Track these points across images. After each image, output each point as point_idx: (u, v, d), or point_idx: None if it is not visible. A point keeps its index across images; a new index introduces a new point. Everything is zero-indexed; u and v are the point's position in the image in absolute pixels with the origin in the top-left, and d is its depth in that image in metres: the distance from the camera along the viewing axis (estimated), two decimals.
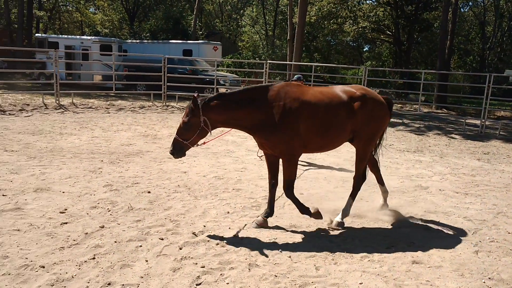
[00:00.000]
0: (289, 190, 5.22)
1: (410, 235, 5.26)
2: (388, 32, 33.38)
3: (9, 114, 12.99)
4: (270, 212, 5.36)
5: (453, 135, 13.97)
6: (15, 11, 37.10)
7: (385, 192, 6.07)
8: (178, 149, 5.01)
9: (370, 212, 5.99)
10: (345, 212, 5.49)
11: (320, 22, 32.50)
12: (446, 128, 15.55)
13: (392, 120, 16.66)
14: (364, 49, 50.90)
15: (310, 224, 5.43)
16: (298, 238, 5.00)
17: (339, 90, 5.34)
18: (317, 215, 5.36)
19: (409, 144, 11.94)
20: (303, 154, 5.51)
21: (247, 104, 4.96)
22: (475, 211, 6.33)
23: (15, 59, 23.52)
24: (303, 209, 5.32)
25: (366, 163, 5.61)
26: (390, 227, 5.53)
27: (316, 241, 4.92)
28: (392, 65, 33.39)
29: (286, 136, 4.94)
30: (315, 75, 22.02)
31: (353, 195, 5.61)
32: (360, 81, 18.01)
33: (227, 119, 5.05)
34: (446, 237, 5.28)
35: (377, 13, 32.06)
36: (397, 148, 11.18)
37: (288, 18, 28.78)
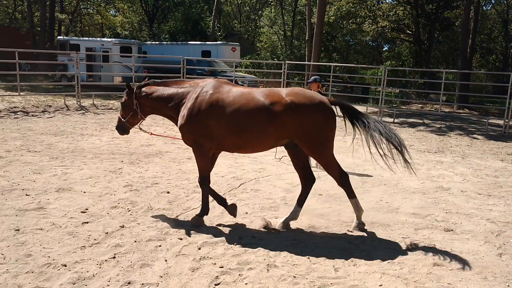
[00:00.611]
0: (203, 186, 5.28)
1: (431, 237, 5.18)
2: (408, 31, 32.99)
3: (32, 115, 13.26)
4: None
5: (475, 136, 13.72)
6: (37, 14, 37.86)
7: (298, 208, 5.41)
8: (119, 126, 5.67)
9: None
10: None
11: (339, 22, 32.32)
12: (468, 128, 15.28)
13: (412, 120, 16.54)
14: (384, 49, 50.39)
15: (329, 225, 5.40)
16: (317, 239, 4.97)
17: (261, 93, 5.03)
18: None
19: (430, 145, 11.77)
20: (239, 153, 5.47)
21: (172, 95, 5.29)
22: (499, 213, 6.19)
23: (37, 61, 24.01)
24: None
25: (334, 167, 5.18)
26: (410, 228, 5.45)
27: (335, 242, 4.88)
28: (413, 64, 32.99)
29: (193, 130, 5.08)
30: (334, 75, 21.87)
31: (350, 195, 5.29)
32: (380, 81, 17.82)
33: (154, 106, 5.44)
34: (469, 239, 5.18)
35: (397, 12, 31.70)
36: (417, 149, 11.03)
37: (307, 18, 28.68)
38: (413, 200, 6.64)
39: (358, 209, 5.26)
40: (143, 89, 5.45)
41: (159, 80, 5.57)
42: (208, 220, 5.36)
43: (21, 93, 15.43)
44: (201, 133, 5.06)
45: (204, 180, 5.26)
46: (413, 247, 4.84)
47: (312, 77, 8.44)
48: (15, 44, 20.31)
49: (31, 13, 35.71)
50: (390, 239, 5.05)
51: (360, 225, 5.27)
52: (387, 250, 4.72)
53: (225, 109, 4.95)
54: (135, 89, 5.46)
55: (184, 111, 5.10)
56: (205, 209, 5.30)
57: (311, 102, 4.90)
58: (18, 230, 4.76)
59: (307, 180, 5.36)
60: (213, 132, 5.02)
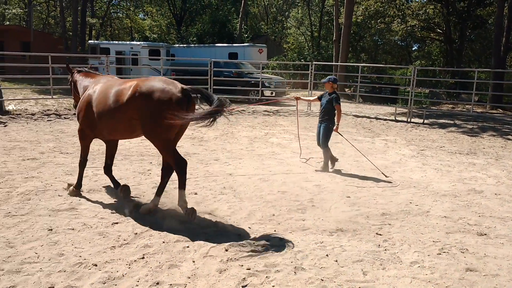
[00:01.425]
0: (80, 165, 6.20)
1: (464, 241, 5.04)
2: (438, 30, 32.30)
3: (64, 118, 13.61)
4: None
5: (509, 137, 13.29)
6: (69, 20, 38.94)
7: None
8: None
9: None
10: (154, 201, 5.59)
11: (367, 21, 31.98)
12: (502, 129, 14.82)
13: (443, 121, 16.17)
14: (413, 48, 49.53)
15: (357, 228, 5.33)
16: (345, 241, 4.91)
17: (119, 82, 5.60)
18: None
19: (461, 146, 11.48)
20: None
21: (83, 86, 6.24)
22: None
23: (69, 65, 24.65)
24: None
25: (169, 154, 5.23)
26: (441, 232, 5.32)
27: (363, 246, 4.81)
28: (443, 64, 32.30)
29: (80, 116, 5.90)
30: (362, 75, 21.60)
31: (161, 188, 5.59)
32: (409, 81, 17.50)
33: (78, 90, 6.38)
34: (503, 244, 5.02)
35: (427, 10, 31.09)
36: (448, 150, 10.77)
37: (334, 19, 28.50)
38: (444, 203, 6.48)
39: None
40: (76, 74, 6.62)
41: (89, 70, 6.67)
42: (235, 222, 5.38)
43: (53, 96, 15.86)
44: (83, 120, 5.84)
45: (81, 161, 6.20)
46: (445, 251, 4.73)
47: (327, 78, 8.41)
48: (48, 49, 20.94)
49: (64, 18, 36.75)
50: (420, 243, 4.95)
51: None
52: (417, 254, 4.63)
53: (94, 98, 5.64)
54: (74, 72, 6.70)
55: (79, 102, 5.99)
56: (79, 183, 6.17)
57: (149, 90, 5.03)
58: (51, 229, 4.89)
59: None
60: (92, 120, 5.68)
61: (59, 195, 6.07)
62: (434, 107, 21.91)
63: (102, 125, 5.56)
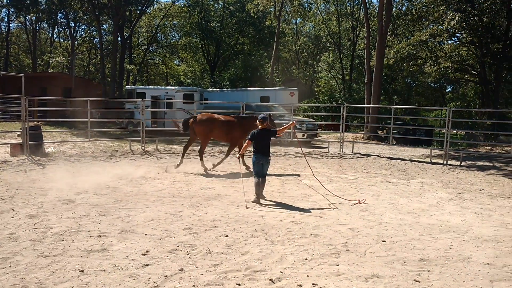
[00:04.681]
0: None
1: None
2: (473, 71, 31.91)
3: (100, 160, 13.95)
4: None
5: None
6: (109, 66, 40.76)
7: None
8: None
9: None
10: None
11: (398, 64, 31.93)
12: None
13: (481, 163, 15.66)
14: (447, 90, 48.95)
15: (394, 274, 5.08)
16: None
17: None
18: None
19: (502, 189, 11.00)
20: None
21: None
22: None
23: (107, 109, 25.59)
24: None
25: None
26: (484, 280, 5.00)
27: None
28: (479, 105, 31.64)
29: None
30: (395, 117, 21.36)
31: None
32: (444, 123, 17.14)
33: None
34: None
35: (460, 52, 30.89)
36: (488, 194, 10.34)
37: (365, 62, 28.66)
38: (486, 248, 6.14)
39: None
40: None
41: None
42: (265, 265, 5.24)
43: (91, 139, 16.36)
44: None
45: None
46: None
47: (260, 116, 9.16)
48: (88, 94, 21.84)
49: (103, 65, 38.51)
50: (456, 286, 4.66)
51: None
52: None
53: None
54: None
55: None
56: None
57: None
58: (83, 271, 4.89)
59: None
60: None
61: (91, 236, 6.11)
62: (471, 149, 21.30)
63: None
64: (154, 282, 4.66)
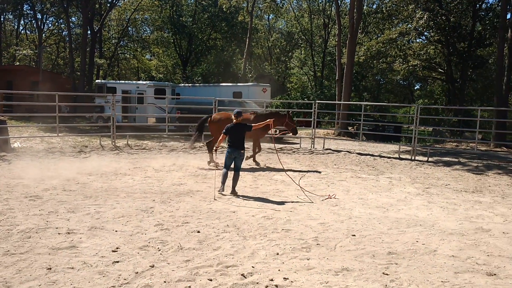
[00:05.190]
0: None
1: (473, 281, 4.90)
2: (440, 69, 32.77)
3: (69, 155, 13.65)
4: None
5: None
6: (78, 60, 39.83)
7: None
8: None
9: None
10: None
11: (369, 61, 32.47)
12: (507, 167, 14.71)
13: (447, 159, 16.12)
14: (415, 88, 50.08)
15: (363, 268, 5.20)
16: (351, 281, 4.78)
17: None
18: None
19: (466, 184, 11.37)
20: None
21: None
22: None
23: (76, 104, 25.03)
24: None
25: None
26: (449, 271, 5.18)
27: (369, 286, 4.68)
28: (446, 103, 32.52)
29: None
30: (365, 114, 21.75)
31: None
32: (412, 120, 17.54)
33: None
34: None
35: (428, 51, 31.66)
36: (454, 188, 10.67)
37: (337, 59, 29.00)
38: (452, 241, 6.35)
39: None
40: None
41: None
42: (237, 260, 5.27)
43: (59, 134, 15.98)
44: None
45: None
46: None
47: (235, 110, 9.31)
48: (57, 88, 21.30)
49: (72, 59, 37.62)
50: (428, 283, 4.81)
51: None
52: None
53: None
54: None
55: None
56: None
57: None
58: (50, 268, 4.79)
59: None
60: None
61: (59, 233, 5.99)
62: (438, 145, 21.89)
63: None
64: (125, 279, 4.61)
